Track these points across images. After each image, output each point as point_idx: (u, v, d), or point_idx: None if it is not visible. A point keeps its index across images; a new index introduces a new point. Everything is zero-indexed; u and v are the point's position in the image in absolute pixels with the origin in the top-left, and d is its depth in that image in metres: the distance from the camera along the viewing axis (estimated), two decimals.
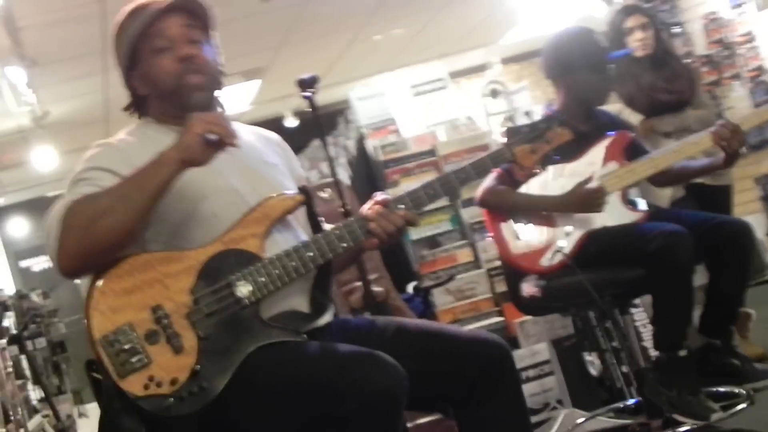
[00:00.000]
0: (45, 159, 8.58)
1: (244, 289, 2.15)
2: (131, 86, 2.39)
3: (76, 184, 2.19)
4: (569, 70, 3.45)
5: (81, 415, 9.12)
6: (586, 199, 3.30)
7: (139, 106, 2.42)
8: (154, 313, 2.10)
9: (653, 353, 3.40)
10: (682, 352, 3.16)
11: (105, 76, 7.42)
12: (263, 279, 2.16)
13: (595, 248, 3.26)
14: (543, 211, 3.38)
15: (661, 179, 3.60)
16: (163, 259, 2.16)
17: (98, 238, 2.08)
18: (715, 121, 3.42)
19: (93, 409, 8.43)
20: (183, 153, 2.09)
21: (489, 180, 3.45)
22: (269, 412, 2.11)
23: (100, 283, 2.11)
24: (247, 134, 2.45)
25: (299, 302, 2.26)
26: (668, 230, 3.14)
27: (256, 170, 2.37)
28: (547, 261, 3.30)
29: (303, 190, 2.33)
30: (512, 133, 2.41)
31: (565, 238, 3.28)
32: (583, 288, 3.12)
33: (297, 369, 2.10)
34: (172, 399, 2.06)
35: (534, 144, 2.39)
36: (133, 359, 2.07)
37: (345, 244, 2.24)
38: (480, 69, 9.24)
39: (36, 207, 11.37)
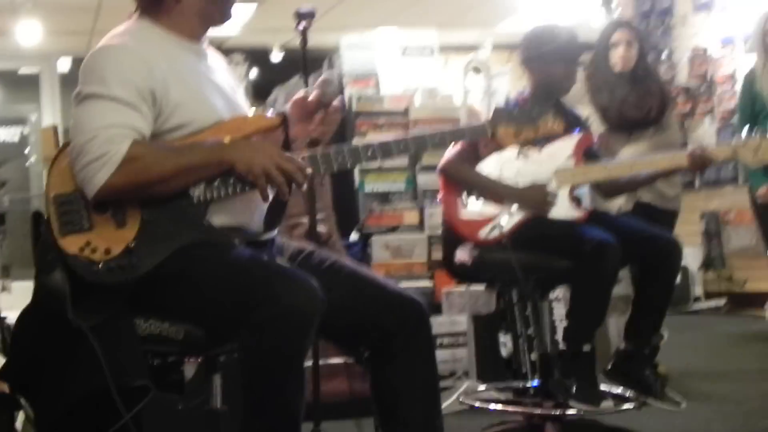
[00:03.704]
0: (29, 33, 8.56)
1: (196, 190, 2.23)
2: None
3: (105, 101, 2.18)
4: (544, 59, 3.59)
5: (4, 289, 9.14)
6: (537, 202, 3.43)
7: None
8: None
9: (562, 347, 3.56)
10: (587, 347, 3.34)
11: None
12: (216, 183, 2.24)
13: (532, 233, 3.42)
14: (495, 196, 3.50)
15: (609, 188, 3.75)
16: None
17: (143, 194, 2.20)
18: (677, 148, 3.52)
19: (17, 288, 8.44)
20: (242, 165, 2.19)
21: (452, 152, 3.50)
22: (190, 302, 2.22)
23: (69, 147, 2.21)
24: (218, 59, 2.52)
25: (251, 220, 2.34)
26: (601, 239, 3.30)
27: (231, 97, 2.44)
28: (485, 233, 3.45)
29: (283, 115, 2.40)
30: (500, 112, 2.44)
31: (508, 216, 3.44)
32: (511, 266, 3.30)
33: (224, 268, 2.21)
34: (101, 266, 2.18)
35: (520, 127, 2.44)
36: (77, 222, 2.20)
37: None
38: (470, 48, 9.32)
39: (6, 80, 11.25)
